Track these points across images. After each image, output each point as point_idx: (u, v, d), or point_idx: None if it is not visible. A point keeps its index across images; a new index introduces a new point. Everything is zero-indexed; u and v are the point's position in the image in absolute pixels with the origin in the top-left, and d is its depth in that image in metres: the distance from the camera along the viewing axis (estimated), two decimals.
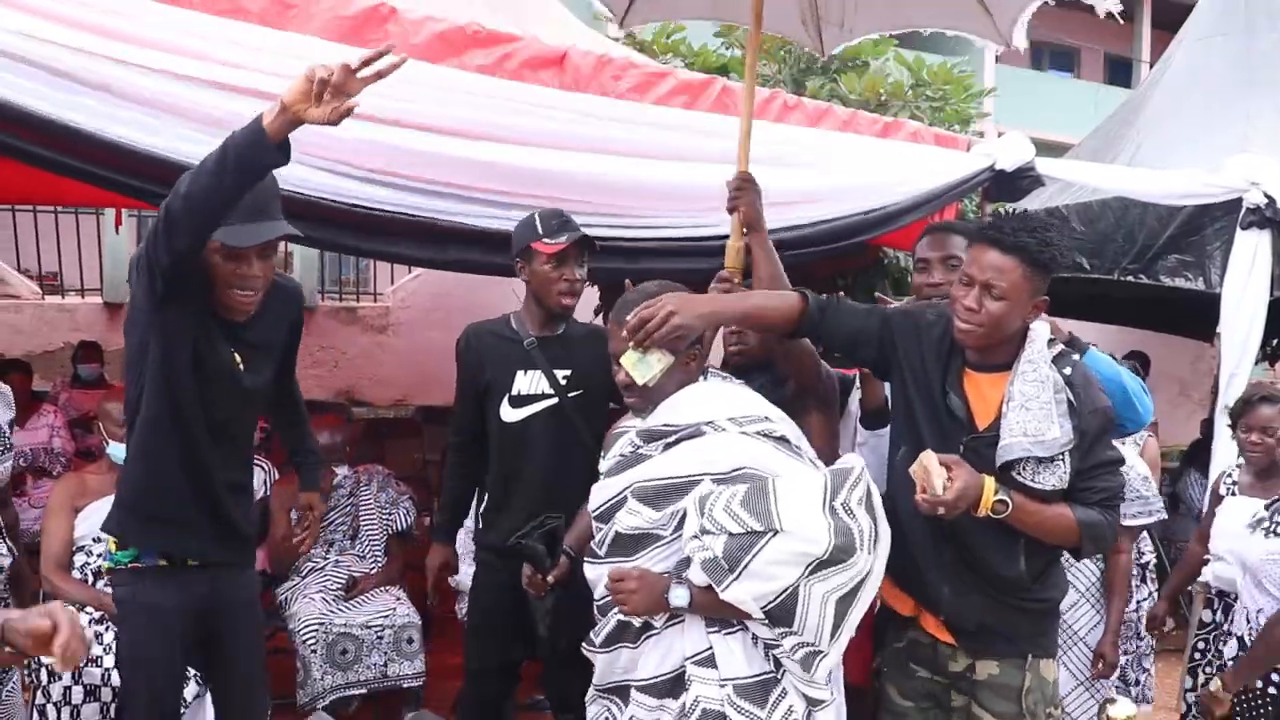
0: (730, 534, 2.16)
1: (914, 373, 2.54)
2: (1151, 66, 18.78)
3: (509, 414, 3.16)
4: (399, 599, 4.33)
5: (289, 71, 2.94)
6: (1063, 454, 2.37)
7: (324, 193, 3.11)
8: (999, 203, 4.60)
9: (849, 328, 2.58)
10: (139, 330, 2.60)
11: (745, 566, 2.14)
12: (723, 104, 3.62)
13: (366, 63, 2.16)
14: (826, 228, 3.87)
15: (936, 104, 5.27)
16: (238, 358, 2.67)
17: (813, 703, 2.28)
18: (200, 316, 2.58)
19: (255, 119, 2.20)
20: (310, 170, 3.04)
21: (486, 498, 3.32)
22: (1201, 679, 3.78)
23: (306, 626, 4.06)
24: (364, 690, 4.14)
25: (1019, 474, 2.38)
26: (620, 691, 2.38)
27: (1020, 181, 4.21)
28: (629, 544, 2.31)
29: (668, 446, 2.33)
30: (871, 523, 2.26)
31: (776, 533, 2.16)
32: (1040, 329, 2.46)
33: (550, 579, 2.72)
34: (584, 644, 2.46)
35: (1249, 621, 3.44)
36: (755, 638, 2.26)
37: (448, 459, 3.58)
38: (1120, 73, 20.96)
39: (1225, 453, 4.21)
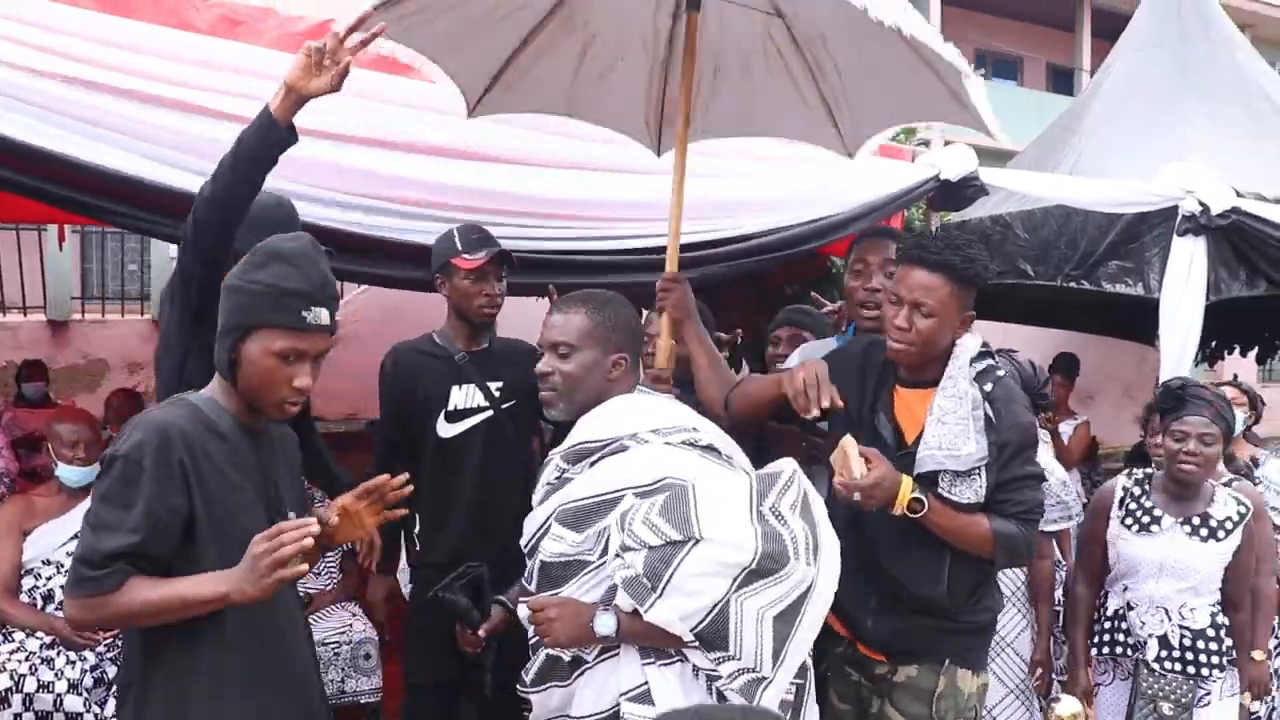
0: (650, 547, 2.01)
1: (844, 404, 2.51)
2: (1092, 75, 19.18)
3: (446, 430, 3.17)
4: (355, 615, 4.31)
5: (237, 88, 2.96)
6: (979, 469, 2.40)
7: None
8: (944, 211, 4.68)
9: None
10: (175, 354, 2.65)
11: (668, 582, 1.98)
12: None
13: (350, 31, 2.40)
14: (776, 237, 3.93)
15: None
16: None
17: None
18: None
19: (261, 110, 2.41)
20: None
21: (420, 517, 3.29)
22: None
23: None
24: None
25: (941, 485, 2.43)
26: None
27: (964, 191, 4.28)
28: (557, 573, 2.18)
29: (592, 465, 2.21)
30: (808, 530, 2.10)
31: (697, 541, 1.99)
32: (967, 343, 2.51)
33: (482, 633, 2.46)
34: (517, 684, 2.33)
35: (1170, 619, 3.33)
36: (696, 669, 2.09)
37: None
38: (1062, 81, 21.35)
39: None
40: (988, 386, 2.46)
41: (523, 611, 2.23)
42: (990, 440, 2.40)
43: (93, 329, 7.80)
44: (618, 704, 2.09)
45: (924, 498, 2.36)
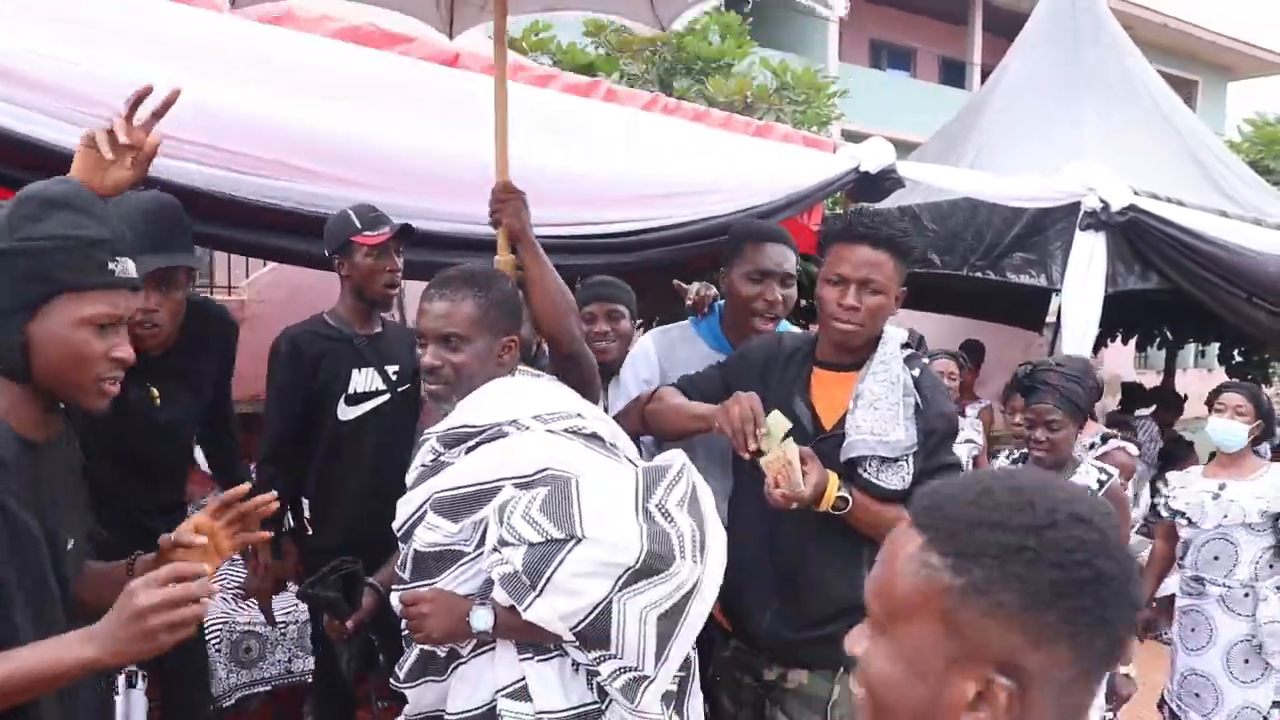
0: (530, 544, 1.90)
1: (752, 388, 2.46)
2: (983, 69, 19.79)
3: (346, 412, 3.15)
4: None
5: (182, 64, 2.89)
6: (907, 456, 2.36)
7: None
8: (861, 202, 4.83)
9: (710, 393, 2.56)
10: None
11: (547, 580, 1.88)
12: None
13: (135, 106, 1.98)
14: (700, 225, 3.99)
15: (799, 106, 5.47)
16: (154, 392, 2.58)
17: None
18: None
19: None
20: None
21: (311, 501, 3.27)
22: None
23: (211, 627, 4.01)
24: (269, 687, 4.15)
25: (864, 470, 2.36)
26: None
27: (883, 183, 4.42)
28: (430, 564, 2.05)
29: (469, 450, 2.08)
30: (695, 527, 2.01)
31: (579, 540, 1.89)
32: (894, 331, 2.49)
33: (350, 624, 2.36)
34: (390, 678, 2.23)
35: None
36: (576, 664, 2.01)
37: (261, 473, 3.21)
38: (954, 74, 21.95)
39: None
40: (915, 372, 2.43)
41: (396, 600, 2.12)
42: (918, 427, 2.37)
43: None
44: (494, 700, 2.01)
45: (849, 496, 2.32)
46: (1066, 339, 4.70)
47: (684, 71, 6.13)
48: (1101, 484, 3.32)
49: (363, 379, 3.18)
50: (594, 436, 2.14)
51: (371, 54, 3.14)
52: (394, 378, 3.22)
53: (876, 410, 2.37)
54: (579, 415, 2.15)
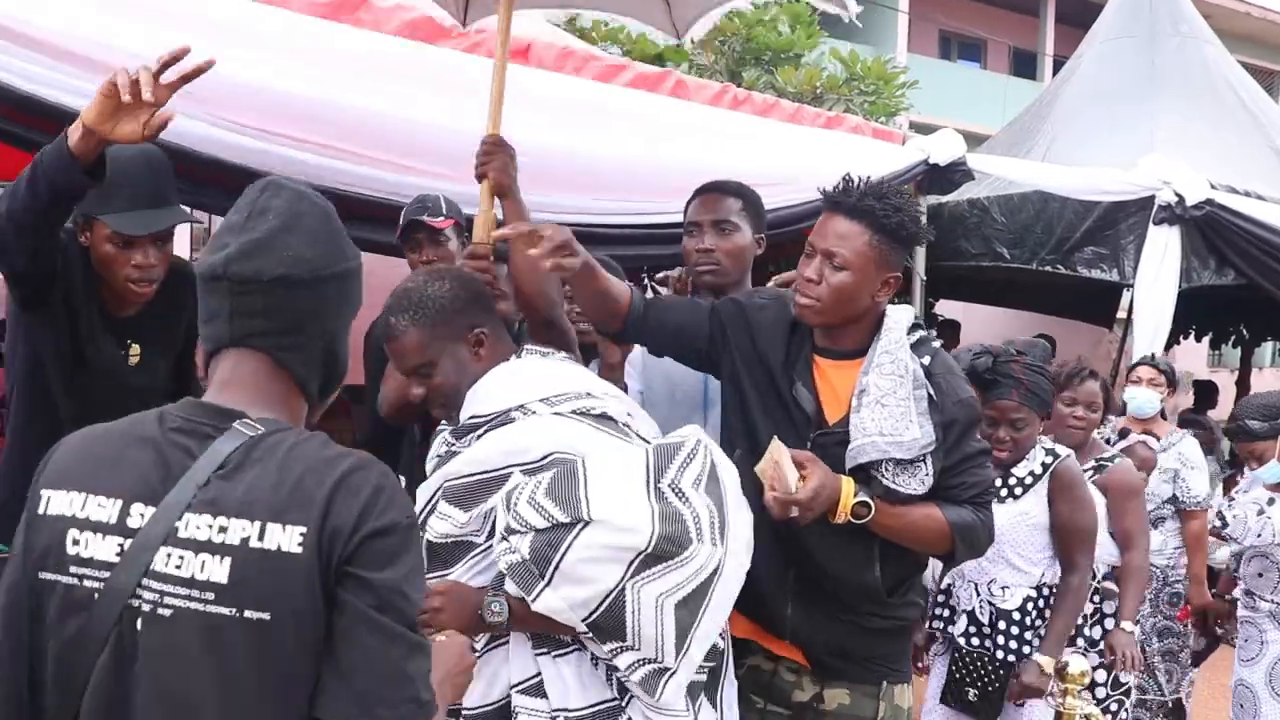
0: (536, 530, 1.82)
1: (747, 364, 2.26)
2: (1055, 60, 19.44)
3: None
4: None
5: (258, 52, 2.99)
6: (924, 455, 2.08)
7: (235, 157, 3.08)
8: (930, 195, 4.82)
9: (675, 322, 2.32)
10: (14, 330, 2.45)
11: (555, 568, 1.80)
12: (677, 95, 3.74)
13: (167, 65, 1.91)
14: (771, 215, 4.01)
15: (869, 97, 5.45)
16: (133, 350, 2.52)
17: None
18: (82, 313, 2.38)
19: (61, 137, 2.00)
20: (222, 131, 3.04)
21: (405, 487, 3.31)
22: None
23: None
24: None
25: (880, 475, 2.08)
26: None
27: (952, 175, 4.41)
28: (444, 554, 1.98)
29: (478, 438, 2.02)
30: (713, 507, 1.90)
31: (586, 523, 1.80)
32: (899, 314, 2.20)
33: None
34: None
35: (979, 594, 3.09)
36: (595, 659, 1.91)
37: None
38: (1025, 65, 21.57)
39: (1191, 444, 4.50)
40: (925, 360, 2.14)
41: None
42: (935, 421, 2.08)
43: None
44: (508, 696, 1.93)
45: (870, 501, 2.06)
46: (1138, 335, 4.64)
47: (753, 62, 6.12)
48: (1046, 466, 3.03)
49: None
50: (604, 417, 2.03)
51: (433, 50, 3.22)
52: None
53: (884, 407, 2.08)
54: (588, 394, 2.06)
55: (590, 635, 1.83)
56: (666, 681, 1.84)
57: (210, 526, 1.21)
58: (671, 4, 3.22)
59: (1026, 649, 3.00)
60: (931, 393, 2.09)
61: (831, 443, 2.11)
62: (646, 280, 6.10)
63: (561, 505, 1.81)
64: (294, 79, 3.05)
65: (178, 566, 1.20)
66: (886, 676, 2.22)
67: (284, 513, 1.22)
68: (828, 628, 2.20)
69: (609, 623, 1.81)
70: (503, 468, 1.92)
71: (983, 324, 7.61)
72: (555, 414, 1.98)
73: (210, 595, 1.18)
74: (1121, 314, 8.86)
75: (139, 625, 1.19)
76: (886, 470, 2.07)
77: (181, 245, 9.77)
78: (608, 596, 1.79)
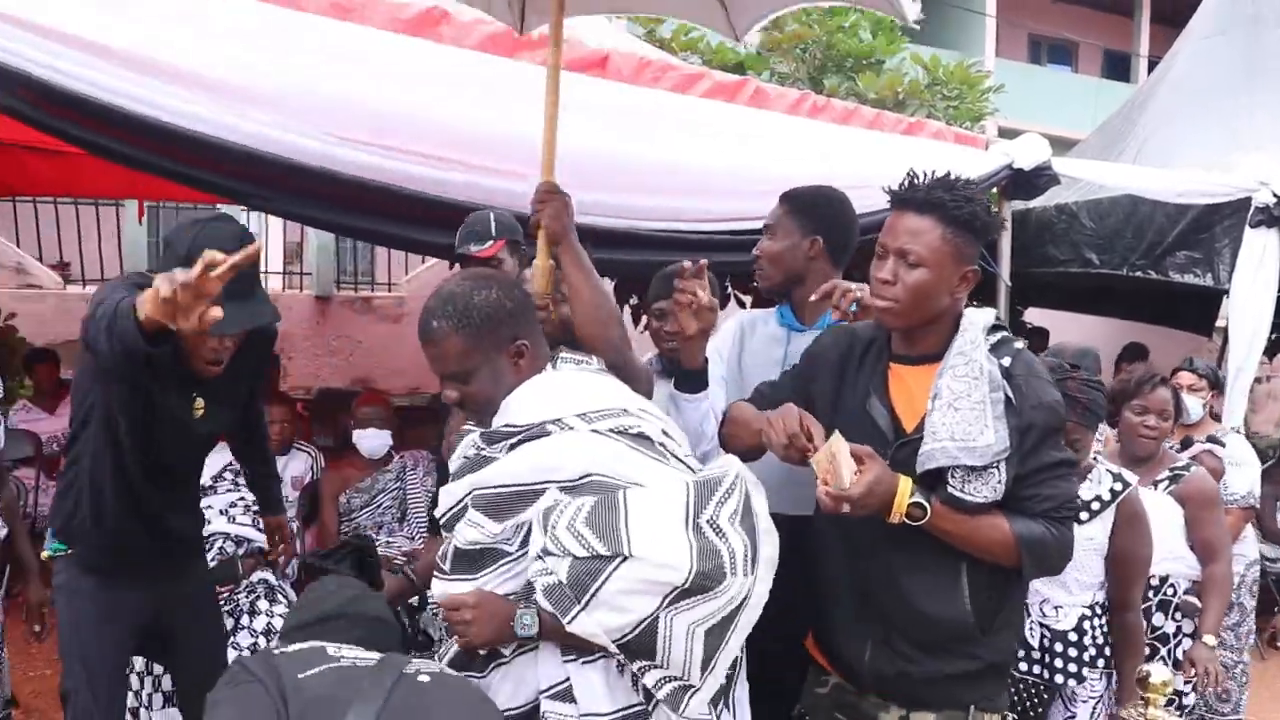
0: (575, 557, 1.84)
1: (824, 395, 2.22)
2: (1149, 61, 18.95)
3: None
4: None
5: (345, 70, 3.09)
6: (998, 462, 1.99)
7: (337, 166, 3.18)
8: (1015, 200, 4.74)
9: (749, 443, 2.20)
10: (88, 373, 2.59)
11: (593, 595, 1.82)
12: (757, 103, 3.75)
13: (207, 268, 1.80)
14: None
15: (952, 102, 5.39)
16: (198, 405, 2.63)
17: None
18: (157, 374, 2.41)
19: (133, 306, 1.99)
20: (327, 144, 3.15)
21: None
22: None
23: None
24: None
25: (950, 483, 2.01)
26: None
27: (1037, 180, 4.34)
28: (470, 560, 1.99)
29: (511, 447, 2.00)
30: (747, 541, 1.91)
31: (625, 559, 1.82)
32: (976, 315, 2.13)
33: None
34: None
35: (1029, 616, 3.02)
36: (621, 665, 1.93)
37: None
38: (1118, 67, 21.09)
39: (1236, 443, 4.40)
40: (1006, 361, 2.05)
41: (438, 590, 2.05)
42: (1011, 425, 2.00)
43: None
44: (536, 700, 1.95)
45: (925, 502, 1.98)
46: (1234, 343, 4.50)
47: (834, 69, 6.10)
48: (1115, 494, 2.94)
49: None
50: (641, 436, 2.01)
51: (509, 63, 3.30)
52: None
53: (957, 411, 2.00)
54: (624, 411, 2.03)
55: (619, 655, 1.87)
56: (691, 697, 1.88)
57: None
58: (729, 6, 3.21)
59: (1086, 670, 2.96)
60: (1010, 395, 2.01)
61: (910, 453, 2.04)
62: (729, 287, 6.11)
63: (602, 537, 1.83)
64: (386, 92, 3.16)
65: None
66: (976, 702, 2.14)
67: None
68: (911, 679, 2.12)
69: (640, 646, 1.84)
70: (538, 483, 1.93)
71: (1072, 332, 7.45)
72: (593, 431, 1.97)
73: None
74: (1221, 322, 8.61)
75: None
76: (955, 477, 2.00)
77: (274, 256, 10.00)
78: (641, 624, 1.82)
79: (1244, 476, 4.36)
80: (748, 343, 2.84)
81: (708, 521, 1.88)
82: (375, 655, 1.74)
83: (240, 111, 3.01)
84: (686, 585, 1.82)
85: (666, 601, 1.82)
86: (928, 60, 5.57)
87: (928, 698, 2.13)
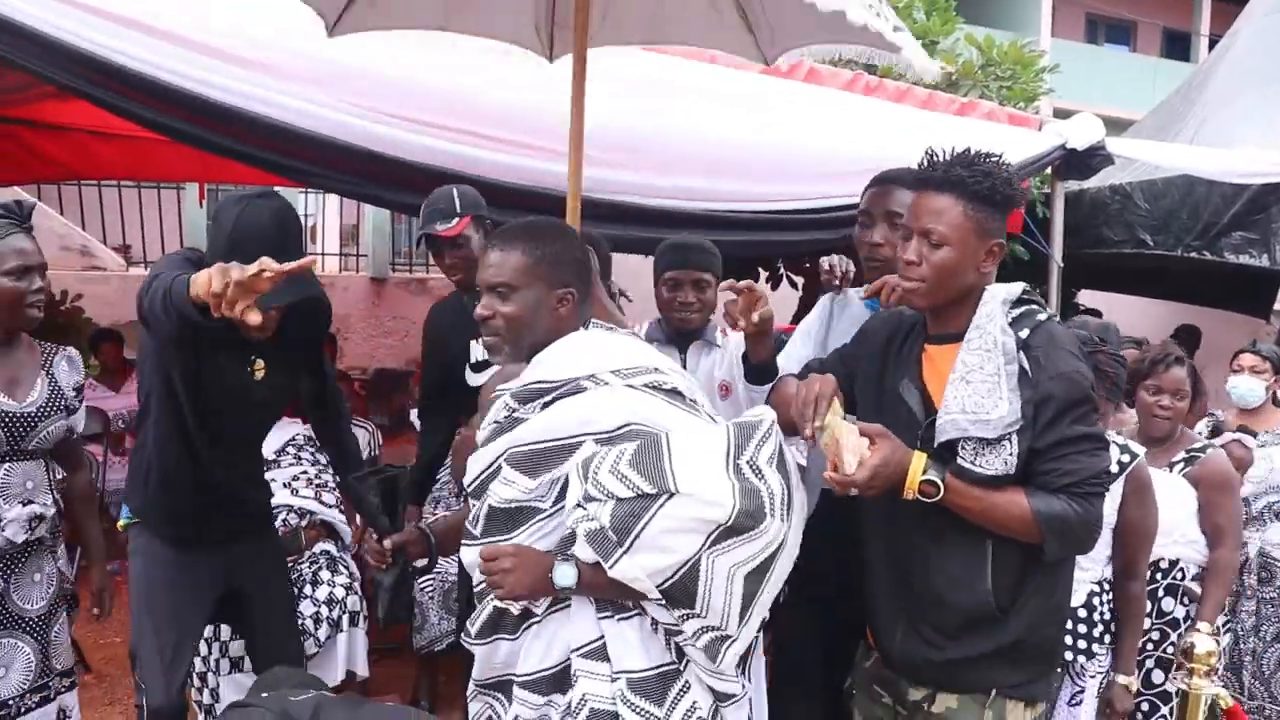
0: (618, 499, 1.85)
1: (866, 379, 2.24)
2: (1210, 39, 18.56)
3: (473, 379, 3.33)
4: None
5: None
6: (1009, 434, 1.97)
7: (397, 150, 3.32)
8: (1069, 180, 4.72)
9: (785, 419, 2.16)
10: (149, 349, 2.69)
11: (636, 537, 1.83)
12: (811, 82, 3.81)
13: (268, 270, 1.99)
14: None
15: (1005, 82, 5.35)
16: (258, 366, 2.74)
17: (720, 697, 1.99)
18: (214, 343, 2.56)
19: (186, 277, 2.13)
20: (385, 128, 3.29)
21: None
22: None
23: (423, 576, 4.23)
24: None
25: (961, 455, 2.01)
26: (503, 687, 2.08)
27: (1090, 160, 4.32)
28: (505, 519, 1.99)
29: (545, 406, 2.01)
30: (784, 484, 1.94)
31: (672, 495, 1.84)
32: (998, 289, 2.10)
33: (388, 544, 2.36)
34: (461, 635, 2.19)
35: None
36: (655, 623, 1.95)
37: (423, 423, 3.63)
38: (1177, 46, 20.67)
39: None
40: (1024, 333, 2.03)
41: (469, 557, 2.07)
42: (1026, 397, 1.97)
43: None
44: (567, 659, 1.95)
45: (938, 480, 1.97)
46: None
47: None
48: (1123, 466, 2.92)
49: (479, 349, 3.32)
50: (674, 392, 2.05)
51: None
52: None
53: (969, 384, 2.00)
54: (657, 370, 2.06)
55: (660, 601, 1.87)
56: (728, 648, 1.91)
57: None
58: (758, 34, 3.26)
59: (1096, 646, 2.95)
60: (1027, 366, 1.99)
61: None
62: (781, 269, 6.11)
63: (647, 476, 1.85)
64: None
65: None
66: (999, 687, 2.12)
67: None
68: (935, 663, 2.14)
69: (681, 591, 1.85)
70: (575, 435, 1.94)
71: (1126, 314, 7.37)
72: (628, 386, 1.99)
73: None
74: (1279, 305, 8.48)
75: None
76: (967, 449, 2.00)
77: (330, 238, 10.08)
78: (684, 565, 1.84)
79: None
80: (835, 323, 2.86)
81: (747, 462, 1.90)
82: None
83: (298, 92, 3.14)
84: (729, 523, 1.84)
85: (709, 541, 1.84)
86: (981, 40, 5.53)
87: (951, 680, 2.14)
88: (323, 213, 10.39)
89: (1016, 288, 2.10)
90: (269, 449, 3.90)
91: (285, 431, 3.99)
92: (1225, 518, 3.25)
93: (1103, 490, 2.03)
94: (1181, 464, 3.29)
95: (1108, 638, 2.99)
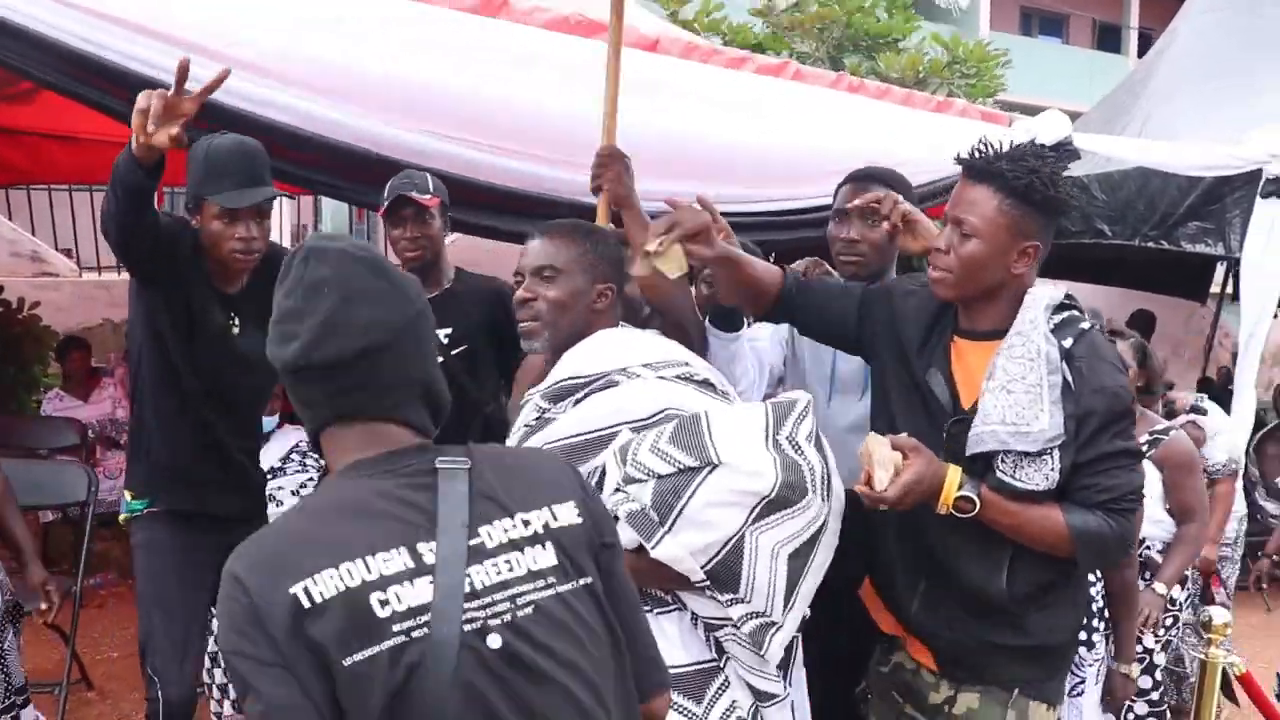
0: (659, 477, 1.84)
1: (889, 350, 2.19)
2: (1139, 32, 19.04)
3: None
4: None
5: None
6: (1051, 448, 1.92)
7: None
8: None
9: (824, 307, 2.28)
10: (136, 309, 2.83)
11: (679, 513, 1.82)
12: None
13: (180, 83, 2.27)
14: None
15: (971, 79, 5.52)
16: (234, 320, 2.84)
17: (761, 697, 1.96)
18: (194, 288, 2.75)
19: (127, 145, 2.33)
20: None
21: None
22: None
23: None
24: None
25: (1000, 468, 1.95)
26: None
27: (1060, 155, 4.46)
28: None
29: (577, 403, 2.01)
30: (823, 462, 1.94)
31: (715, 467, 1.83)
32: (1041, 292, 2.04)
33: None
34: None
35: None
36: (695, 618, 1.93)
37: None
38: (1109, 39, 21.18)
39: (1246, 405, 4.54)
40: (1067, 342, 1.96)
41: None
42: (1068, 412, 1.91)
43: None
44: None
45: (974, 496, 1.92)
46: (1245, 309, 4.66)
47: (852, 49, 6.22)
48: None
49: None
50: (705, 383, 2.05)
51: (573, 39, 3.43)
52: (445, 341, 3.25)
53: (1010, 394, 1.92)
54: (687, 364, 2.07)
55: (705, 585, 1.85)
56: (773, 635, 1.89)
57: (512, 527, 1.28)
58: None
59: (1095, 636, 3.04)
60: (1069, 378, 1.93)
61: (964, 429, 2.00)
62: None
63: (688, 450, 1.84)
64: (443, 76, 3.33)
65: (509, 570, 1.26)
66: (1022, 688, 2.09)
67: (553, 493, 1.34)
68: (951, 631, 2.11)
69: (725, 571, 1.83)
70: (611, 426, 1.94)
71: (1084, 302, 7.62)
72: (659, 378, 2.00)
73: (553, 578, 1.28)
74: (1214, 288, 8.79)
75: (493, 636, 1.22)
76: (1006, 462, 1.94)
77: (285, 239, 10.13)
78: (728, 543, 1.82)
79: (1223, 445, 4.42)
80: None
81: (786, 438, 1.90)
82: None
83: (300, 95, 3.18)
84: (772, 495, 1.83)
85: (752, 516, 1.83)
86: (948, 40, 5.70)
87: (971, 665, 2.11)
88: (280, 210, 10.30)
89: (1059, 292, 2.08)
90: (273, 457, 3.93)
91: (287, 439, 4.02)
92: (1193, 497, 3.40)
93: (1137, 506, 2.01)
94: (1145, 446, 3.37)
95: (1103, 625, 3.08)
